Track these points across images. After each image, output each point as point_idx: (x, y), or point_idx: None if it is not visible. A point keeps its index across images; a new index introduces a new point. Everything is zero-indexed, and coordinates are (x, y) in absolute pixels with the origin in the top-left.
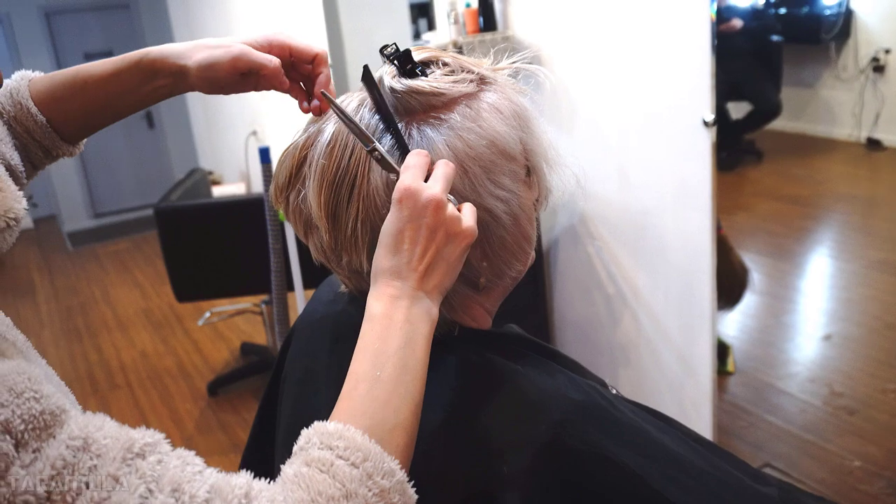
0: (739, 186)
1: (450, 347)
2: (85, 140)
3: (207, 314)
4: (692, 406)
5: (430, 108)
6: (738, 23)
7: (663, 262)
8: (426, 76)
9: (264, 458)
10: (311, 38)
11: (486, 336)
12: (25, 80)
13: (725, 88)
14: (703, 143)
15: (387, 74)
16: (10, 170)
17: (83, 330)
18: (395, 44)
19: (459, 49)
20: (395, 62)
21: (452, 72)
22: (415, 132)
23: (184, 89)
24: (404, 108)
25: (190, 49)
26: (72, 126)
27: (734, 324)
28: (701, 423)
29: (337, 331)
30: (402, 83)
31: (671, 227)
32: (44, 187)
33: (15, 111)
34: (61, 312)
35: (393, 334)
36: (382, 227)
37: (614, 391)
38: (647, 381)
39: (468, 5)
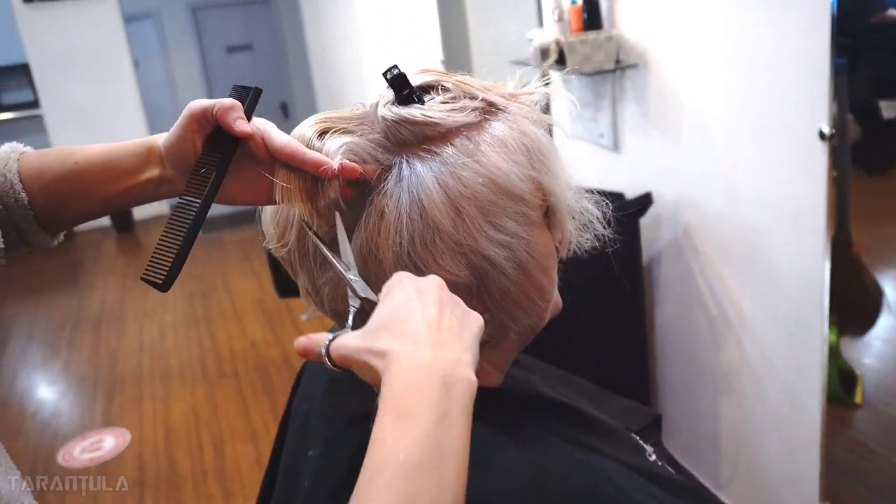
0: (889, 192)
1: None
2: (62, 234)
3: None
4: (798, 445)
5: (424, 139)
6: (893, 13)
7: (772, 286)
8: (423, 103)
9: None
10: (426, 32)
11: (487, 397)
12: (16, 153)
13: (877, 85)
14: (818, 158)
15: (382, 100)
16: None
17: (201, 316)
18: (395, 66)
19: (561, 49)
20: (391, 87)
21: (453, 98)
22: (405, 167)
23: (167, 187)
24: (396, 139)
25: None
26: (51, 212)
27: (867, 349)
28: (807, 465)
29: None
30: (392, 111)
31: (782, 248)
32: None
33: None
34: (185, 298)
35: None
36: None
37: (652, 458)
38: (749, 414)
39: (574, 2)
